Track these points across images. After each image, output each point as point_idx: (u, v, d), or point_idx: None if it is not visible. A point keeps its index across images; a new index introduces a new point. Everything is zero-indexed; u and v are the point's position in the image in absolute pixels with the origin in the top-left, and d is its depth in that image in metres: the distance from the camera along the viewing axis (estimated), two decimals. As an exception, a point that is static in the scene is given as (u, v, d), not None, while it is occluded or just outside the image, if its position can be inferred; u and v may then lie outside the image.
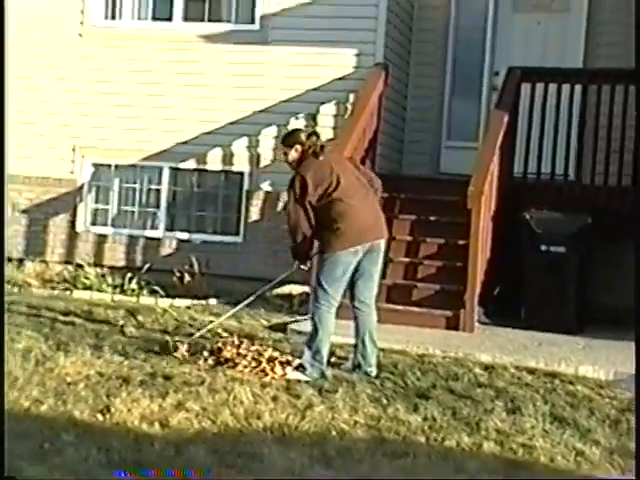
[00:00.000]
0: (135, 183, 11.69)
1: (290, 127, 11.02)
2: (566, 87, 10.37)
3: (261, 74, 11.13)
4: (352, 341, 7.20)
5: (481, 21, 11.81)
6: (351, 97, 10.92)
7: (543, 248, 9.56)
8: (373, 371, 6.95)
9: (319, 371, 6.76)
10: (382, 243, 7.03)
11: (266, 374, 6.64)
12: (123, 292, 10.40)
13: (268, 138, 11.19)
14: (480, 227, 9.09)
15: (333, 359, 7.17)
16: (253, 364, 6.74)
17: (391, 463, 5.00)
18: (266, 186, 11.20)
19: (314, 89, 11.01)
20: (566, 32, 11.57)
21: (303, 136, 7.00)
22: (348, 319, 7.16)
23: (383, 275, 9.65)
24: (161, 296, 10.16)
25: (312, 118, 11.01)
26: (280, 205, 11.12)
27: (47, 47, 11.59)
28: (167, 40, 11.49)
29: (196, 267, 10.78)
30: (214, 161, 11.36)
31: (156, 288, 10.33)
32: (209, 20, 11.52)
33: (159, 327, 8.39)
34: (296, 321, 8.84)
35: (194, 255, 10.99)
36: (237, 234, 11.34)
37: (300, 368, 6.75)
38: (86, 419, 5.38)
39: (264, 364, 6.71)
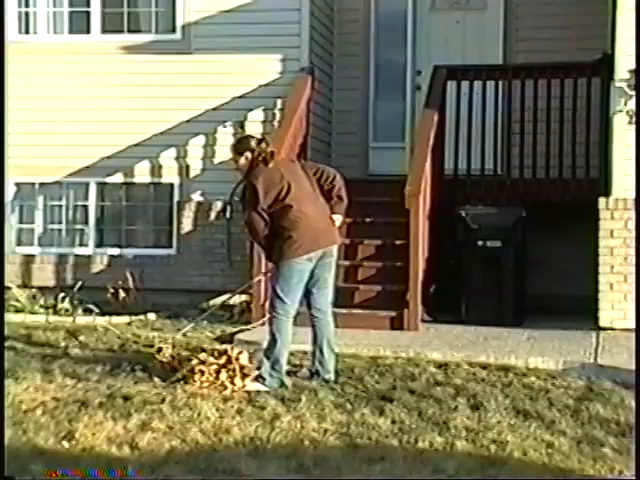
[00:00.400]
0: (61, 200, 11.45)
1: (218, 136, 11.02)
2: (491, 83, 10.53)
3: (186, 84, 11.00)
4: (304, 347, 7.17)
5: (401, 22, 11.90)
6: (279, 103, 10.89)
7: (480, 243, 9.67)
8: (331, 377, 6.92)
9: (279, 381, 6.70)
10: (335, 249, 7.00)
11: (225, 387, 6.55)
12: (56, 312, 10.15)
13: (197, 148, 11.09)
14: (419, 226, 9.14)
15: (288, 367, 7.10)
16: (210, 378, 6.62)
17: (369, 468, 4.98)
18: (197, 196, 11.08)
19: (241, 96, 10.94)
20: (484, 29, 11.72)
21: (253, 143, 6.91)
22: (301, 326, 7.10)
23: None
24: (97, 314, 9.95)
25: (240, 125, 10.94)
26: (213, 215, 11.03)
27: (-40, 64, 11.27)
28: (86, 53, 11.28)
29: (130, 282, 10.61)
30: (142, 173, 11.20)
31: (90, 306, 10.12)
32: (129, 31, 11.35)
33: (104, 346, 8.21)
34: (241, 331, 8.74)
35: (127, 270, 10.81)
36: (170, 246, 11.20)
37: (260, 379, 6.69)
38: (51, 447, 5.24)
39: (222, 377, 6.59)
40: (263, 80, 10.92)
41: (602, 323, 9.00)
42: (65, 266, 11.30)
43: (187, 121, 11.06)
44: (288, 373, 6.95)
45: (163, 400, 6.18)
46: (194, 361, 6.78)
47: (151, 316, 9.92)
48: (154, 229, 11.32)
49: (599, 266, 9.09)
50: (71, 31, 11.45)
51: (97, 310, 10.02)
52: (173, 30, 11.20)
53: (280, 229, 6.70)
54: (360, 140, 11.90)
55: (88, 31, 11.38)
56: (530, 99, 10.32)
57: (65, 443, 5.28)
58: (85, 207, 11.42)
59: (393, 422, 5.80)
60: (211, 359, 6.79)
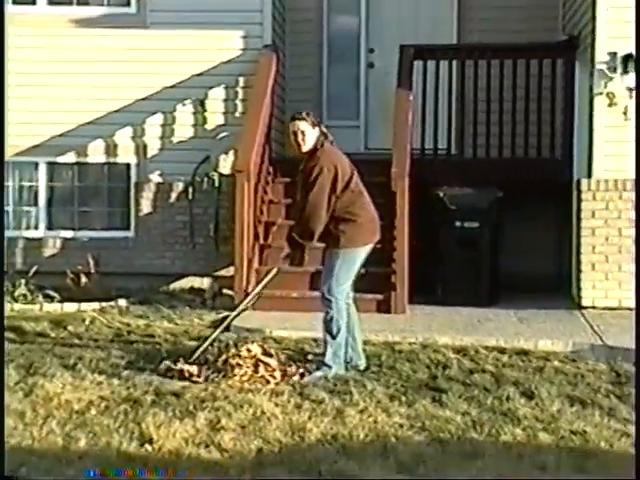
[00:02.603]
0: (7, 180, 10.89)
1: (177, 114, 10.69)
2: (457, 63, 10.52)
3: (142, 60, 10.62)
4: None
5: (355, -1, 11.76)
6: (241, 80, 10.65)
7: (457, 224, 9.70)
8: (362, 364, 6.83)
9: (342, 366, 6.58)
10: None
11: (267, 381, 6.37)
12: (15, 299, 9.68)
13: (154, 127, 10.73)
14: (404, 208, 9.08)
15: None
16: (249, 372, 6.43)
17: (469, 465, 4.92)
18: (156, 177, 10.73)
19: (200, 74, 10.64)
20: (438, 7, 11.70)
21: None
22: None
23: (300, 262, 9.61)
24: (59, 301, 9.54)
25: (200, 104, 10.64)
26: (173, 196, 10.71)
27: None
28: (32, 25, 10.73)
29: (92, 266, 10.21)
30: (96, 153, 10.77)
31: (50, 292, 9.71)
32: (78, 3, 10.87)
33: (100, 336, 7.88)
34: (235, 317, 8.49)
35: (85, 254, 10.40)
36: (128, 229, 10.83)
37: (324, 367, 6.55)
38: (134, 451, 4.98)
39: (262, 371, 6.42)
40: (224, 57, 10.64)
41: (584, 303, 9.17)
42: (14, 250, 10.76)
43: (143, 99, 10.68)
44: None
45: (214, 397, 5.95)
46: (229, 354, 6.57)
47: (122, 302, 9.55)
48: (110, 211, 10.92)
49: (581, 246, 9.25)
50: (15, 1, 10.83)
51: (57, 296, 9.61)
52: (127, 3, 10.79)
53: (347, 214, 6.51)
54: (314, 118, 11.70)
55: (34, 2, 10.83)
56: (496, 78, 10.35)
57: (147, 446, 5.01)
58: (34, 188, 10.90)
59: (462, 414, 5.73)
60: (244, 352, 6.59)
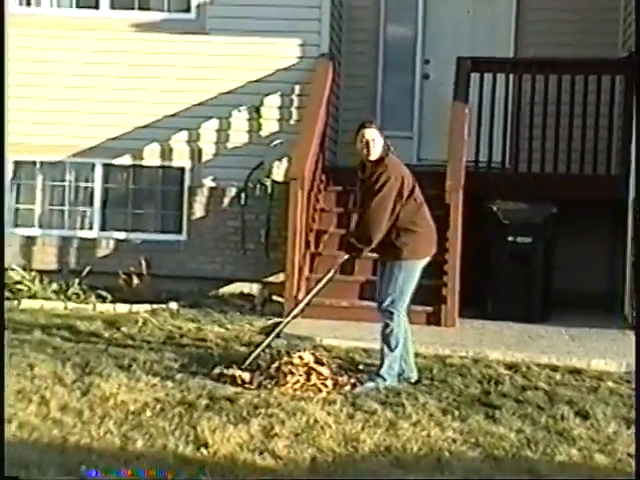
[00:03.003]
0: (64, 181, 11.03)
1: (232, 120, 10.75)
2: (514, 77, 10.48)
3: (199, 65, 10.72)
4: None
5: (412, 10, 11.75)
6: (297, 88, 10.69)
7: (510, 239, 9.66)
8: (414, 376, 6.82)
9: (394, 378, 6.61)
10: None
11: (319, 390, 6.38)
12: (68, 298, 9.78)
13: (209, 131, 10.79)
14: (458, 221, 9.06)
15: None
16: (301, 380, 6.45)
17: (527, 483, 4.89)
18: (210, 182, 10.79)
19: (257, 80, 10.69)
20: (495, 20, 11.67)
21: None
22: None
23: (351, 270, 9.60)
24: (111, 301, 9.64)
25: (256, 110, 10.69)
26: (226, 201, 10.76)
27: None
28: (94, 29, 10.87)
29: (144, 268, 10.29)
30: (152, 156, 10.87)
31: (102, 292, 9.80)
32: (139, 8, 10.97)
33: (152, 339, 7.94)
34: (286, 324, 8.51)
35: (137, 255, 10.50)
36: (180, 232, 10.90)
37: (378, 378, 6.58)
38: (190, 454, 5.01)
39: (314, 379, 6.43)
40: (280, 65, 10.68)
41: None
42: (68, 249, 10.88)
43: (200, 104, 10.76)
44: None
45: (268, 403, 5.97)
46: (281, 361, 6.60)
47: (173, 305, 9.62)
48: (163, 214, 11.00)
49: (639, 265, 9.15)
50: (78, 5, 10.99)
51: (109, 297, 9.71)
52: (187, 9, 10.87)
53: (410, 224, 6.55)
54: (368, 128, 11.69)
55: (97, 6, 10.94)
56: (554, 93, 10.30)
57: (203, 450, 5.05)
58: (90, 189, 11.01)
59: (515, 431, 5.70)
60: (296, 360, 6.61)
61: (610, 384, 7.00)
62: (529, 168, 10.43)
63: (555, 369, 7.38)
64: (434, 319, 9.03)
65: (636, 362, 6.89)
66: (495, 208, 9.67)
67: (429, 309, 9.04)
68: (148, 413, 5.67)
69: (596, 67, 10.28)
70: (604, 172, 10.27)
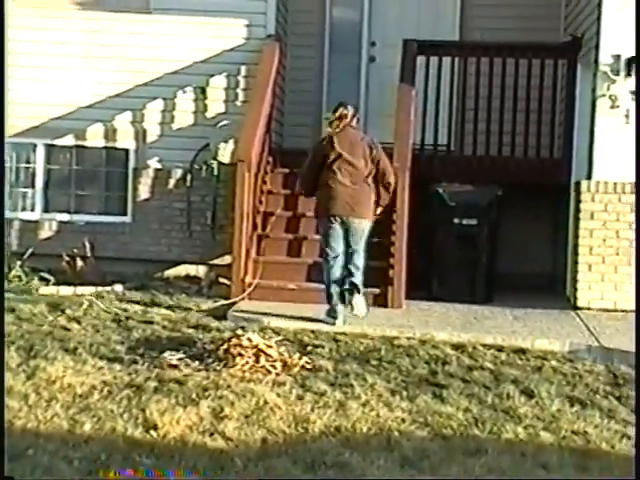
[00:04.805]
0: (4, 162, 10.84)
1: (177, 101, 10.67)
2: (459, 60, 10.52)
3: (143, 45, 10.60)
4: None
5: (357, -9, 11.75)
6: (242, 69, 10.62)
7: (456, 221, 9.72)
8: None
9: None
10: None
11: (268, 372, 6.38)
12: (9, 281, 9.63)
13: (154, 112, 10.69)
14: (404, 203, 9.10)
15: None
16: (250, 362, 6.44)
17: (472, 461, 4.95)
18: (155, 163, 10.70)
19: (202, 61, 10.60)
20: (440, 4, 11.70)
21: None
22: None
23: (298, 253, 9.62)
24: (55, 284, 9.52)
25: (202, 91, 10.60)
26: (172, 183, 10.68)
27: None
28: (37, 6, 10.68)
29: (88, 250, 10.19)
30: (95, 137, 10.72)
31: (45, 275, 9.68)
32: (81, -14, 10.80)
33: (98, 321, 7.86)
34: (232, 305, 8.52)
35: (81, 237, 10.38)
36: (125, 214, 10.79)
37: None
38: (140, 437, 4.99)
39: (263, 361, 6.43)
40: (227, 45, 10.60)
41: (579, 303, 9.20)
42: (10, 231, 10.71)
43: (145, 84, 10.64)
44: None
45: (217, 385, 5.96)
46: (230, 343, 6.59)
47: (118, 287, 9.53)
48: (107, 195, 10.88)
49: (578, 247, 9.27)
50: (19, -17, 10.78)
51: (53, 279, 9.59)
52: (131, -12, 10.72)
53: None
54: (314, 110, 11.70)
55: (39, -17, 10.76)
56: (498, 76, 10.36)
57: (153, 432, 5.02)
58: (31, 169, 10.85)
59: (463, 410, 5.76)
60: (245, 342, 6.60)
61: (554, 363, 7.10)
62: (474, 151, 10.48)
63: (500, 349, 7.45)
64: (381, 301, 9.06)
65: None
66: (441, 190, 9.72)
67: (376, 291, 9.06)
68: (96, 396, 5.64)
69: (540, 51, 10.34)
70: (547, 155, 10.37)
